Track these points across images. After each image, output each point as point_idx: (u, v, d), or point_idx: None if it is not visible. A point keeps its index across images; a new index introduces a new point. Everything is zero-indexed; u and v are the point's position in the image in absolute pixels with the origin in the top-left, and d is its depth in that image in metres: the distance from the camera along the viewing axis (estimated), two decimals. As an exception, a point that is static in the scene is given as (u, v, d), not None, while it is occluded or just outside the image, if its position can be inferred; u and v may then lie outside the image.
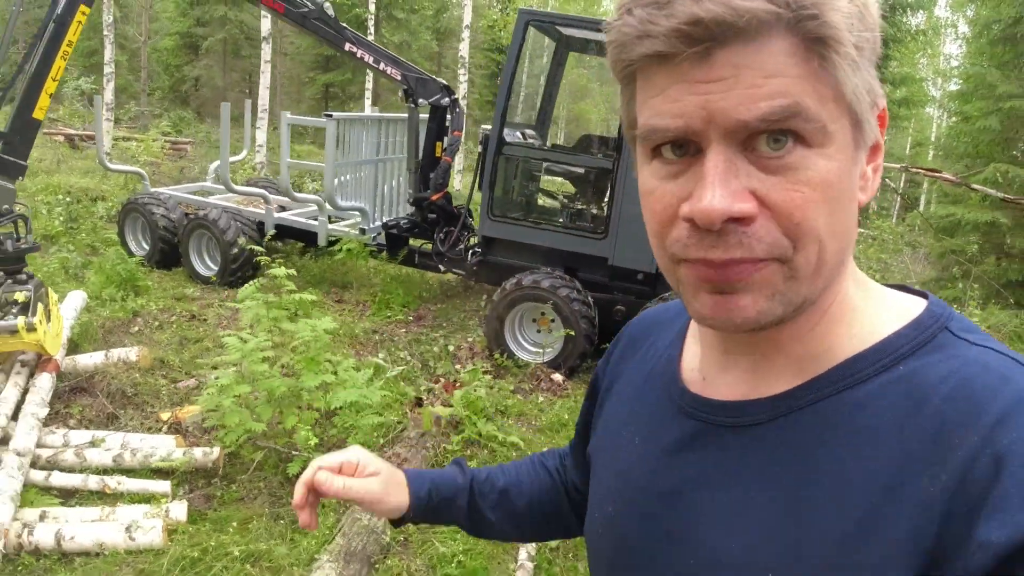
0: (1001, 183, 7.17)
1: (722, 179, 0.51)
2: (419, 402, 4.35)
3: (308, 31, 5.68)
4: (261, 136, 11.91)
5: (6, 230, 4.01)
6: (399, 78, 5.79)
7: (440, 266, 6.15)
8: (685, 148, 0.53)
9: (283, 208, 6.87)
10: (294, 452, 3.39)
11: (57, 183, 9.29)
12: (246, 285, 3.79)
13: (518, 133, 5.98)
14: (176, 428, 3.95)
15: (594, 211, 5.62)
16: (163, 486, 3.35)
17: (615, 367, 0.83)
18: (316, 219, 6.68)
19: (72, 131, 14.67)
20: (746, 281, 0.53)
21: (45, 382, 3.95)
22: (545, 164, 5.83)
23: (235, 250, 6.15)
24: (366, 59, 5.63)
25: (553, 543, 3.13)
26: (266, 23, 11.36)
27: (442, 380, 4.70)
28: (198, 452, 3.54)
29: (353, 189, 5.92)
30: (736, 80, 0.50)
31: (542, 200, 6.19)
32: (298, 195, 6.16)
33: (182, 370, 4.53)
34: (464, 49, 13.62)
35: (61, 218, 7.84)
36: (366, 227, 6.15)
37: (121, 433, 3.75)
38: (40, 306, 3.93)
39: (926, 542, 0.48)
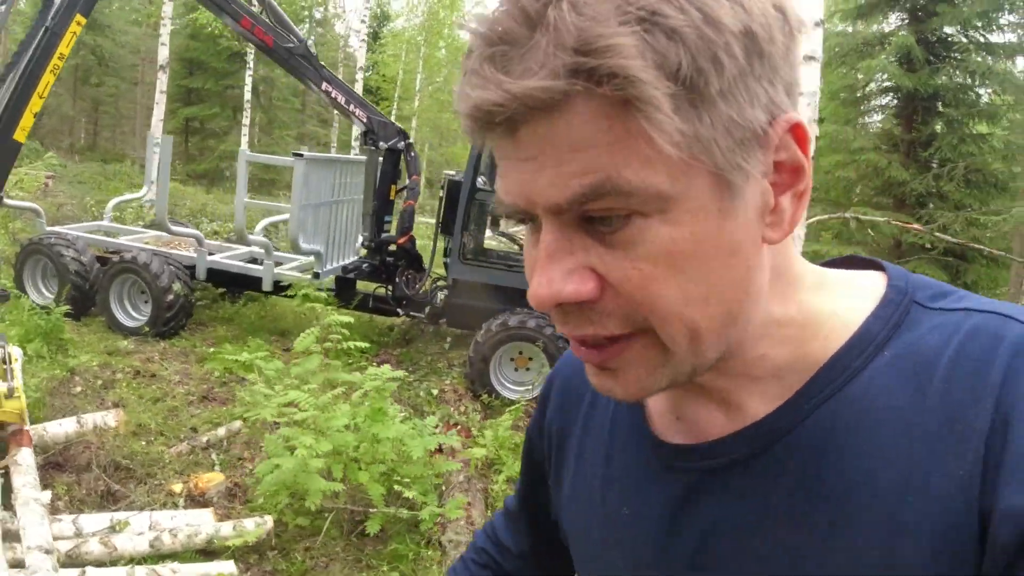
0: (855, 227, 8.49)
1: (554, 259, 0.46)
2: (440, 449, 4.29)
3: (290, 67, 5.43)
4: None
5: None
6: (364, 120, 5.71)
7: (399, 310, 6.07)
8: (536, 219, 0.48)
9: (210, 252, 6.38)
10: (371, 510, 3.23)
11: None
12: (303, 336, 3.54)
13: (481, 178, 6.11)
14: (193, 499, 3.57)
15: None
16: (227, 567, 3.03)
17: (557, 422, 0.73)
18: (253, 262, 6.29)
19: None
20: (618, 359, 0.49)
21: (27, 458, 3.40)
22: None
23: (170, 297, 5.62)
24: (339, 99, 5.50)
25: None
26: (164, 51, 10.47)
27: (458, 425, 4.65)
28: (249, 524, 3.25)
29: (311, 231, 5.68)
30: (544, 158, 0.44)
31: (510, 244, 6.34)
32: (252, 237, 5.77)
33: (169, 434, 4.08)
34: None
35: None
36: (320, 271, 5.91)
37: (147, 512, 3.33)
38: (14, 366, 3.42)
39: (958, 531, 0.45)
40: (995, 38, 10.02)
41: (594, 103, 0.42)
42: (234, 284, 6.43)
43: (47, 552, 2.85)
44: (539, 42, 0.42)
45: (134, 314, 5.84)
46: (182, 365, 5.17)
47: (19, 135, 3.56)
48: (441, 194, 6.08)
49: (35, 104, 3.58)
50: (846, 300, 0.54)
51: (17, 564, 2.84)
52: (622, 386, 0.50)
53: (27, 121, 3.55)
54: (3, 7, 4.33)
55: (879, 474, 0.48)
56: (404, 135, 6.06)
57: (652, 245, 0.45)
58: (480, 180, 5.59)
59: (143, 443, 3.85)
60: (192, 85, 18.63)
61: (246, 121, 15.92)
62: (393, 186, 6.13)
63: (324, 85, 5.43)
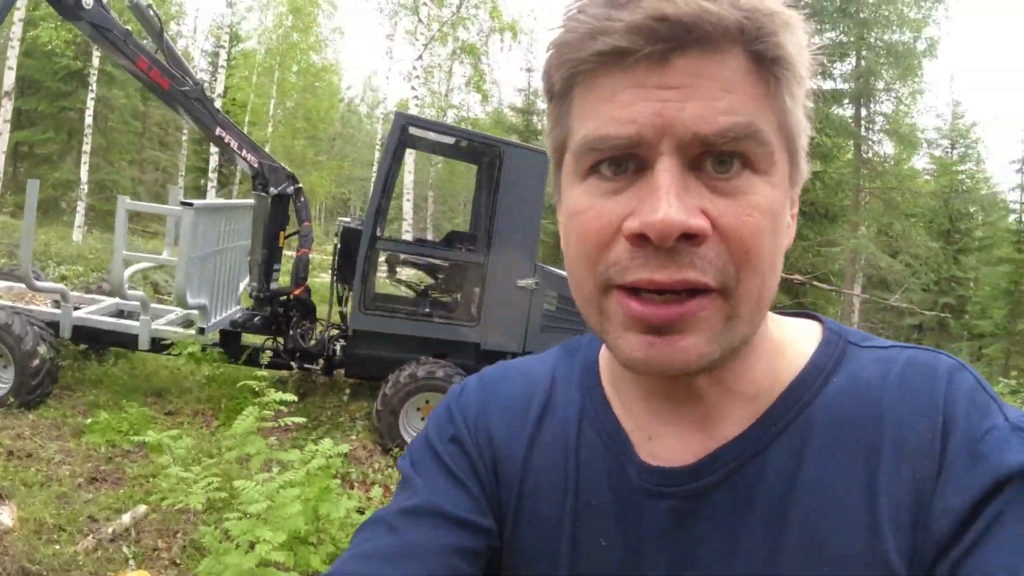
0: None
1: (676, 194, 0.47)
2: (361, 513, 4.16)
3: (184, 110, 5.05)
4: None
5: None
6: (256, 165, 5.46)
7: (292, 363, 5.81)
8: (625, 167, 0.50)
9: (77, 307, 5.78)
10: (311, 595, 3.07)
11: None
12: (242, 416, 3.29)
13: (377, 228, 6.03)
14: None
15: (464, 300, 5.92)
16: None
17: (492, 450, 0.65)
18: (120, 315, 5.79)
19: None
20: (692, 319, 0.49)
21: None
22: (419, 259, 5.98)
23: (35, 362, 5.03)
24: (231, 144, 5.21)
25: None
26: (11, 76, 9.31)
27: (376, 484, 4.52)
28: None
29: (196, 284, 5.31)
30: (695, 89, 0.47)
31: (411, 293, 6.27)
32: (129, 292, 5.29)
33: (69, 528, 3.61)
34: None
35: None
36: (205, 326, 5.54)
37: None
38: None
39: (909, 526, 0.50)
40: (827, 85, 11.38)
41: (746, 56, 0.48)
42: (102, 342, 5.86)
43: None
44: None
45: (-11, 381, 5.16)
46: (58, 441, 4.64)
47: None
48: (336, 241, 5.94)
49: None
50: (794, 335, 0.61)
51: None
52: (682, 352, 0.49)
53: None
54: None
55: (845, 487, 0.53)
56: (294, 179, 5.87)
57: (761, 198, 0.49)
58: (378, 230, 5.53)
59: (43, 541, 3.40)
60: (24, 107, 16.73)
61: (87, 147, 14.56)
62: (282, 233, 5.90)
63: (218, 130, 5.14)
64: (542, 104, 18.80)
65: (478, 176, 6.55)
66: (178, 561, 3.45)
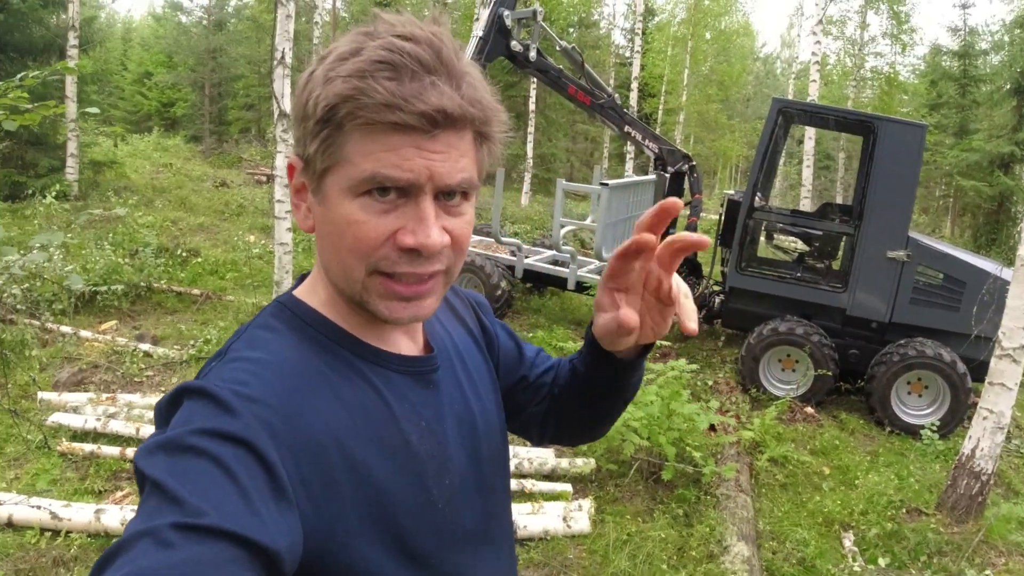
0: None
1: (434, 221, 0.72)
2: (712, 428, 5.29)
3: (601, 118, 6.83)
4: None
5: None
6: (656, 151, 6.83)
7: (678, 310, 7.12)
8: (388, 192, 0.71)
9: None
10: (665, 463, 4.39)
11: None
12: None
13: (758, 197, 6.90)
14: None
15: (834, 267, 6.46)
16: (566, 487, 4.39)
17: (301, 465, 0.68)
18: (555, 264, 7.82)
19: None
20: (430, 291, 0.76)
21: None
22: (791, 228, 6.74)
23: (499, 292, 7.31)
24: (637, 137, 6.72)
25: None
26: None
27: (729, 412, 5.62)
28: (579, 462, 4.59)
29: (611, 243, 6.97)
30: (448, 155, 0.71)
31: (783, 256, 7.07)
32: (564, 247, 7.27)
33: None
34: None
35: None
36: (614, 275, 7.18)
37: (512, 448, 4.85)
38: None
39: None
40: None
41: (471, 134, 0.75)
42: (542, 282, 7.99)
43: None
44: (463, 83, 0.72)
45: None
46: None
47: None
48: (721, 211, 6.98)
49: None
50: None
51: None
52: (425, 310, 0.78)
53: None
54: None
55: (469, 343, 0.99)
56: (688, 159, 7.06)
57: (470, 216, 0.78)
58: (757, 199, 6.39)
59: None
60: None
61: (531, 128, 17.98)
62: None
63: (626, 128, 6.65)
64: (983, 44, 16.32)
65: (861, 150, 6.84)
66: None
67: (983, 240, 13.73)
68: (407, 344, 0.87)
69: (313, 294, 0.83)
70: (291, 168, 0.78)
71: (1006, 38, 14.77)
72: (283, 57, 5.85)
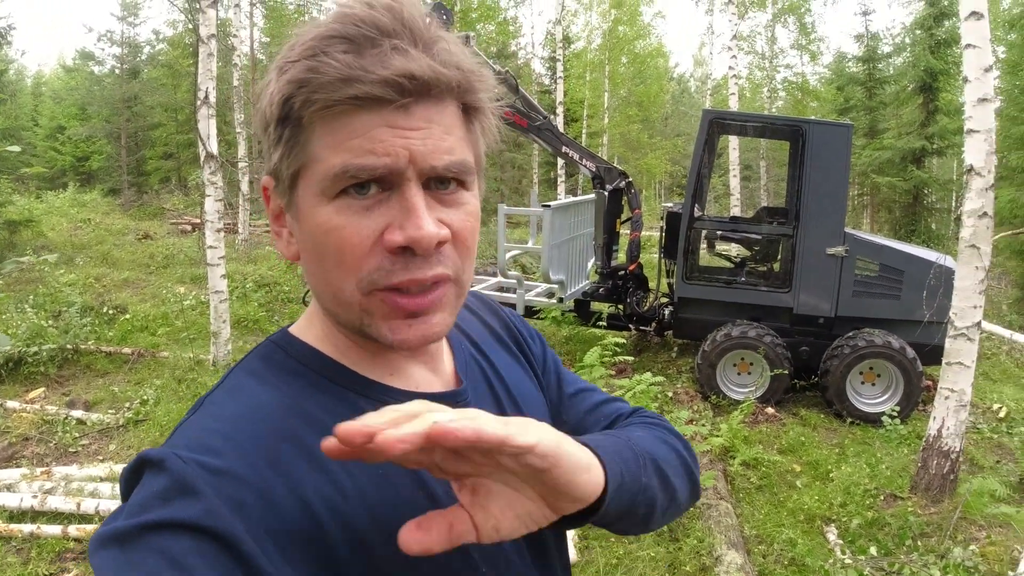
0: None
1: (426, 211, 0.59)
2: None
3: (536, 138, 6.82)
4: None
5: None
6: (593, 169, 6.87)
7: (630, 325, 7.14)
8: (367, 188, 0.59)
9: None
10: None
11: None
12: (589, 353, 4.76)
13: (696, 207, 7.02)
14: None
15: (777, 269, 6.60)
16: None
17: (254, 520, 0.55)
18: (501, 291, 7.73)
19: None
20: (438, 303, 0.63)
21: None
22: (733, 233, 6.86)
23: (452, 323, 7.16)
24: (574, 157, 6.75)
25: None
26: None
27: (694, 421, 5.61)
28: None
29: (556, 265, 6.95)
30: (429, 132, 0.59)
31: (727, 264, 7.19)
32: (509, 273, 7.19)
33: None
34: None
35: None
36: (564, 296, 7.17)
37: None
38: None
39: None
40: None
41: (457, 106, 0.63)
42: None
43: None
44: (435, 46, 0.60)
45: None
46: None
47: None
48: (662, 224, 7.07)
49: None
50: None
51: None
52: (435, 328, 0.64)
53: None
54: None
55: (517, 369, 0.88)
56: (624, 176, 7.13)
57: (472, 207, 0.65)
58: (695, 209, 6.50)
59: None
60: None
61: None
62: (617, 220, 7.23)
63: (564, 148, 6.67)
64: (885, 47, 17.30)
65: (790, 153, 7.08)
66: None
67: (902, 232, 14.41)
68: (426, 377, 0.73)
69: (309, 329, 0.71)
70: (265, 191, 0.68)
71: (907, 40, 15.66)
72: (207, 97, 5.63)
